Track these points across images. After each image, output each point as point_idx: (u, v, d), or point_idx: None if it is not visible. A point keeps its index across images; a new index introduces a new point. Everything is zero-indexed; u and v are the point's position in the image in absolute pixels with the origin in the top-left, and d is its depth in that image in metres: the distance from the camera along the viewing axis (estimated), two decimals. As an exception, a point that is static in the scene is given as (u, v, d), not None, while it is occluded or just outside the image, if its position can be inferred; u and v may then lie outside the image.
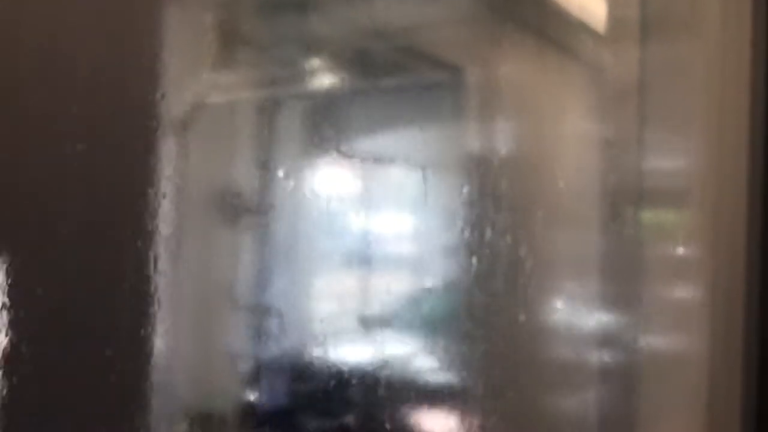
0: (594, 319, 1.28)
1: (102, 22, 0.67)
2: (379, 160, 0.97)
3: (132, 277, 0.70)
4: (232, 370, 0.86)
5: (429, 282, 1.04)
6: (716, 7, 1.28)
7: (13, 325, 0.60)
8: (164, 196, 0.72)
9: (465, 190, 1.06)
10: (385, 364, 0.96)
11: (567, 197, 1.23)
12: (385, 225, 0.99)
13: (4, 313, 0.60)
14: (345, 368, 0.92)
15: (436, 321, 1.04)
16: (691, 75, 1.30)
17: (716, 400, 1.14)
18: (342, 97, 0.94)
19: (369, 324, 0.96)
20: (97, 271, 0.67)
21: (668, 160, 1.32)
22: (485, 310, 1.08)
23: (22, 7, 0.61)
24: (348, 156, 0.93)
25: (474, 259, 1.04)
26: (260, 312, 0.87)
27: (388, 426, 0.95)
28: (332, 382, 0.91)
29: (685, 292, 1.28)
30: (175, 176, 0.74)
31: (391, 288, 0.99)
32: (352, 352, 0.93)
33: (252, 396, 0.87)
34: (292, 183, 0.88)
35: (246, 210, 0.86)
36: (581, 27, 1.25)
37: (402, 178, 1.01)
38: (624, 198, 1.27)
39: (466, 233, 1.04)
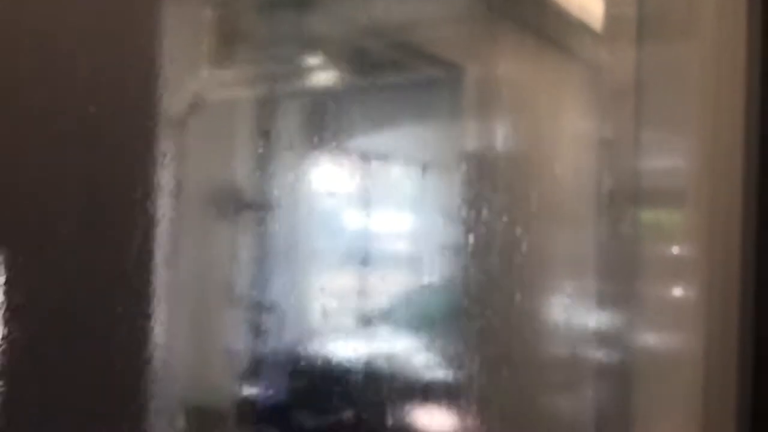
0: (589, 317, 1.28)
1: (101, 20, 0.67)
2: (377, 157, 0.97)
3: (131, 274, 0.70)
4: (230, 366, 0.86)
5: (427, 279, 1.04)
6: (712, 8, 1.28)
7: (13, 321, 0.60)
8: (163, 194, 0.72)
9: (462, 187, 1.06)
10: (383, 359, 0.96)
11: (564, 195, 1.23)
12: (383, 222, 1.00)
13: (5, 309, 0.60)
14: (343, 363, 0.92)
15: (434, 318, 1.04)
16: (686, 75, 1.30)
17: (712, 399, 1.15)
18: (341, 95, 0.94)
19: (367, 320, 0.97)
20: (97, 268, 0.67)
21: (664, 160, 1.32)
22: (482, 308, 1.08)
23: (21, 6, 0.61)
24: (346, 153, 0.93)
25: (471, 257, 1.05)
26: (259, 308, 0.87)
27: (386, 421, 0.95)
28: (330, 378, 0.91)
29: (680, 291, 1.29)
30: (174, 174, 0.74)
31: (389, 284, 0.99)
32: (350, 348, 0.93)
33: (250, 391, 0.87)
34: (290, 180, 0.88)
35: (245, 207, 0.86)
36: (579, 26, 1.25)
37: (400, 175, 1.01)
38: (620, 197, 1.27)
39: (463, 231, 1.04)
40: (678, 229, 1.31)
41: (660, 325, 1.26)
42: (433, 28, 1.07)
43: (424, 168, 1.01)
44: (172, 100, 0.74)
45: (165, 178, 0.73)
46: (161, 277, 0.72)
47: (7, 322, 0.60)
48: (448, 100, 1.09)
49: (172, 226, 0.73)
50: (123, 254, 0.69)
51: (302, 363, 0.91)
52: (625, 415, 1.25)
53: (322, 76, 0.94)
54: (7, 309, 0.60)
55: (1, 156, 0.60)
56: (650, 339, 1.28)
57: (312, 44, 0.92)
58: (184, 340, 0.77)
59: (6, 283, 0.60)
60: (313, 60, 0.94)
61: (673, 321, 1.25)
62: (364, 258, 0.97)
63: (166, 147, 0.73)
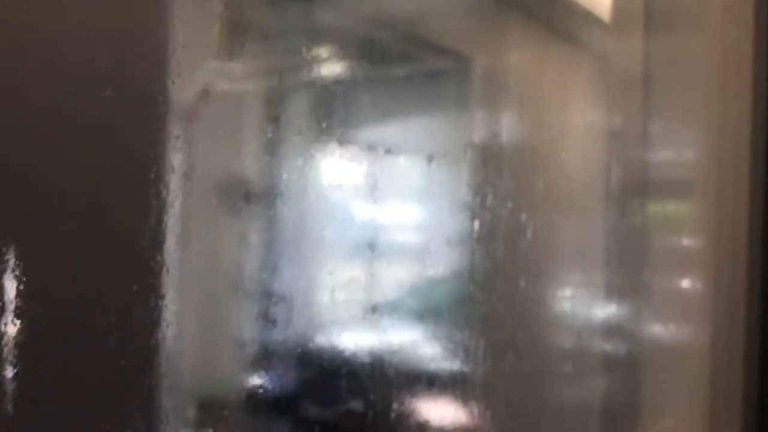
0: (597, 308, 1.28)
1: (113, 10, 0.67)
2: (385, 148, 0.97)
3: (141, 262, 0.70)
4: (239, 355, 0.87)
5: (435, 271, 1.04)
6: (719, -1, 1.28)
7: (24, 308, 0.60)
8: (173, 183, 0.72)
9: (470, 179, 1.06)
10: (392, 350, 0.96)
11: (571, 187, 1.23)
12: (391, 213, 1.00)
13: (18, 297, 0.60)
14: (352, 353, 0.92)
15: (442, 309, 1.04)
16: (694, 66, 1.30)
17: (718, 390, 1.15)
18: (349, 86, 0.94)
19: (376, 311, 0.97)
20: (107, 257, 0.67)
21: (671, 151, 1.32)
22: (491, 301, 1.08)
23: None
24: (355, 143, 0.93)
25: (479, 247, 1.05)
26: (267, 299, 0.87)
27: (396, 410, 0.95)
28: (339, 369, 0.91)
29: (687, 282, 1.29)
30: (183, 165, 0.74)
31: (397, 275, 0.99)
32: (359, 337, 0.94)
33: (259, 382, 0.87)
34: (299, 170, 0.88)
35: (254, 196, 0.86)
36: (587, 17, 1.25)
37: (409, 166, 1.01)
38: (627, 188, 1.27)
39: (471, 222, 1.04)
40: (685, 220, 1.31)
41: (667, 317, 1.26)
42: (441, 20, 1.07)
43: (433, 158, 1.01)
44: (183, 89, 0.74)
45: (175, 166, 0.73)
46: (170, 266, 0.72)
47: (19, 308, 0.60)
48: (457, 91, 1.09)
49: (181, 214, 0.73)
50: (132, 243, 0.69)
51: (311, 352, 0.91)
52: (632, 406, 1.25)
53: (331, 67, 0.94)
54: (19, 295, 0.60)
55: (13, 143, 0.60)
56: (657, 330, 1.28)
57: (321, 35, 0.92)
58: (192, 329, 0.77)
59: (17, 270, 0.60)
60: (322, 51, 0.94)
61: (681, 312, 1.25)
62: (373, 247, 0.97)
63: (176, 136, 0.73)
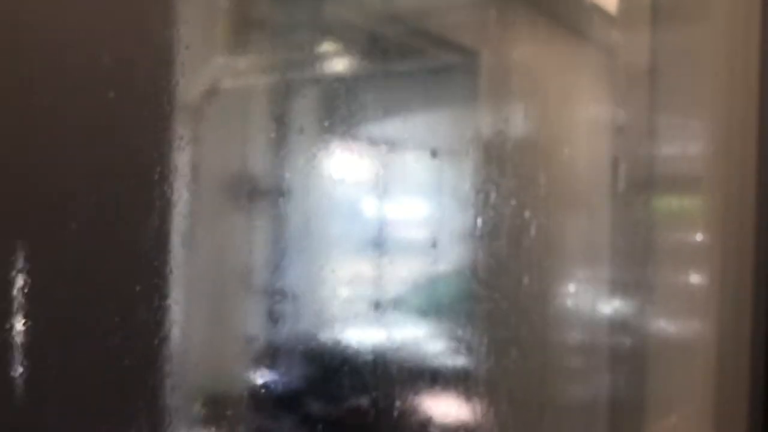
0: (603, 303, 1.28)
1: (118, 7, 0.67)
2: (393, 143, 0.97)
3: (147, 259, 0.70)
4: (245, 352, 0.87)
5: (442, 266, 1.04)
6: (726, -9, 1.27)
7: (30, 305, 0.60)
8: (180, 180, 0.72)
9: (477, 174, 1.05)
10: (397, 347, 0.96)
11: (578, 181, 1.22)
12: (398, 209, 0.99)
13: (24, 293, 0.60)
14: (359, 349, 0.92)
15: (449, 304, 1.04)
16: (700, 59, 1.29)
17: (724, 385, 1.15)
18: (356, 81, 0.93)
19: (380, 307, 0.97)
20: (113, 254, 0.67)
21: (678, 145, 1.31)
22: (496, 297, 1.08)
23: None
24: (362, 139, 0.93)
25: (486, 246, 1.04)
26: (274, 295, 0.87)
27: (401, 409, 0.95)
28: (345, 365, 0.91)
29: (693, 277, 1.29)
30: (190, 160, 0.74)
31: (405, 271, 0.99)
32: (363, 335, 0.94)
33: (266, 379, 0.87)
34: (306, 167, 0.88)
35: (260, 193, 0.86)
36: (593, 10, 1.25)
37: (415, 162, 1.00)
38: (633, 182, 1.26)
39: (478, 218, 1.04)
40: (692, 215, 1.31)
41: (674, 312, 1.26)
42: (447, 14, 1.07)
43: (441, 153, 1.00)
44: (188, 88, 0.73)
45: (181, 164, 0.73)
46: (177, 263, 0.72)
47: (24, 306, 0.60)
48: (463, 86, 1.09)
49: (188, 212, 0.73)
50: (139, 241, 0.69)
51: (316, 349, 0.91)
52: (638, 401, 1.25)
53: (337, 63, 0.94)
54: (25, 293, 0.60)
55: (17, 143, 0.60)
56: (664, 325, 1.28)
57: (327, 30, 0.92)
58: (198, 327, 0.77)
59: (23, 268, 0.60)
60: (327, 47, 0.93)
61: (687, 307, 1.25)
62: (381, 243, 0.97)
63: (182, 133, 0.73)
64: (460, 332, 1.05)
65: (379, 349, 0.94)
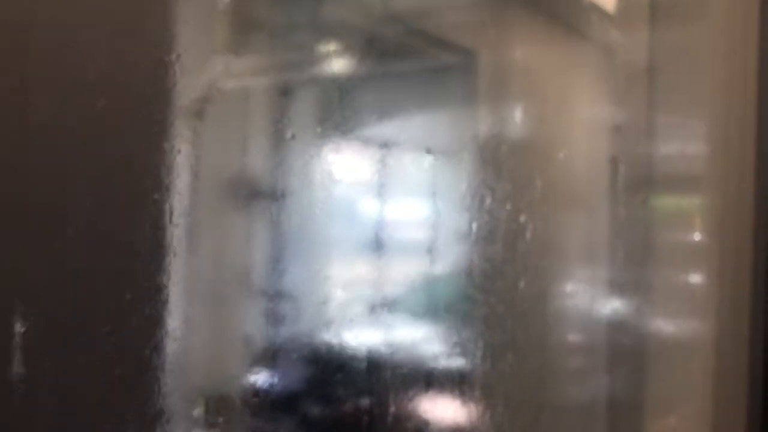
0: (602, 304, 1.28)
1: (116, 10, 0.66)
2: (391, 144, 0.96)
3: (147, 262, 0.70)
4: (245, 353, 0.87)
5: (440, 268, 1.04)
6: (725, -10, 1.27)
7: (30, 308, 0.60)
8: (179, 183, 0.72)
9: (476, 174, 1.05)
10: (397, 349, 0.96)
11: (577, 180, 1.22)
12: (398, 210, 0.99)
13: (22, 296, 0.60)
14: (358, 351, 0.92)
15: (446, 307, 1.04)
16: (699, 58, 1.29)
17: (723, 385, 1.15)
18: (355, 82, 0.93)
19: (380, 309, 0.97)
20: (113, 257, 0.67)
21: (677, 144, 1.31)
22: (495, 298, 1.08)
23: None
24: (361, 140, 0.93)
25: (486, 246, 1.04)
26: (274, 297, 0.87)
27: (401, 409, 0.95)
28: (344, 367, 0.91)
29: (692, 277, 1.29)
30: (189, 163, 0.74)
31: (403, 273, 0.99)
32: (362, 336, 0.94)
33: (266, 380, 0.87)
34: (305, 169, 0.88)
35: (259, 195, 0.85)
36: (592, 9, 1.24)
37: (414, 163, 1.00)
38: (632, 181, 1.26)
39: (478, 218, 1.04)
40: (690, 214, 1.30)
41: (672, 311, 1.26)
42: (445, 14, 1.06)
43: (440, 154, 1.00)
44: (188, 90, 0.73)
45: (180, 167, 0.72)
46: (176, 266, 0.72)
47: (24, 309, 0.60)
48: (462, 85, 1.09)
49: (187, 214, 0.73)
50: (138, 243, 0.69)
51: (318, 351, 0.91)
52: (637, 401, 1.25)
53: (337, 63, 0.94)
54: (24, 295, 0.60)
55: (17, 144, 0.60)
56: (662, 325, 1.28)
57: (326, 31, 0.92)
58: (198, 328, 0.77)
59: (23, 270, 0.60)
60: (327, 47, 0.93)
61: (686, 307, 1.25)
62: (379, 246, 0.96)
63: (181, 136, 0.73)
64: (457, 334, 1.05)
65: (377, 350, 0.94)
